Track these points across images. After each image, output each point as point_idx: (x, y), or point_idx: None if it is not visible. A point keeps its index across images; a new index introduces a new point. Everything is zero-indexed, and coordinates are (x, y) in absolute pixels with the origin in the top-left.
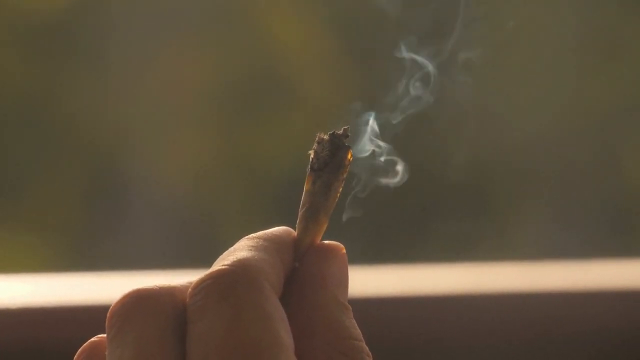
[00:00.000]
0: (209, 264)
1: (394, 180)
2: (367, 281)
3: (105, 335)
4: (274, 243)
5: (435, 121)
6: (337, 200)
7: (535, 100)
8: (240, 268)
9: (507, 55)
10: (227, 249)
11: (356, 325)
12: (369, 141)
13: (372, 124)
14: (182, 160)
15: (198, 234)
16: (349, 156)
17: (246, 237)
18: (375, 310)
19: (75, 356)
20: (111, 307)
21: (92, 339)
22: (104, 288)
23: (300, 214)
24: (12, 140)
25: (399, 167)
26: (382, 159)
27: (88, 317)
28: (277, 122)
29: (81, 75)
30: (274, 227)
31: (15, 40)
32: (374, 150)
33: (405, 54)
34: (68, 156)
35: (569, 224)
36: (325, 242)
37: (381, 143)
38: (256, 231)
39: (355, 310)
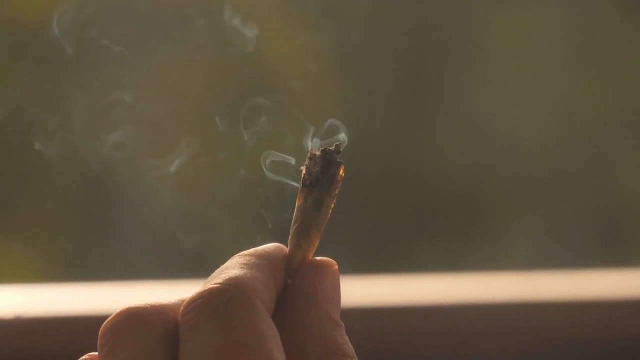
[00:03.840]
0: (201, 274)
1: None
2: (361, 291)
3: (97, 353)
4: (265, 260)
5: (430, 131)
6: (329, 216)
7: (528, 109)
8: (232, 286)
9: (502, 64)
10: (219, 257)
11: (349, 341)
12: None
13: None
14: (175, 170)
15: (191, 243)
16: (341, 172)
17: (238, 254)
18: (369, 320)
19: None
20: (103, 326)
21: (84, 357)
22: (96, 298)
23: (292, 230)
24: (3, 150)
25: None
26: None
27: (81, 328)
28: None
29: (73, 84)
30: (266, 244)
31: (6, 49)
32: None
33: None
34: (60, 166)
35: (562, 233)
36: (317, 258)
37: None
38: (249, 241)
39: (349, 321)
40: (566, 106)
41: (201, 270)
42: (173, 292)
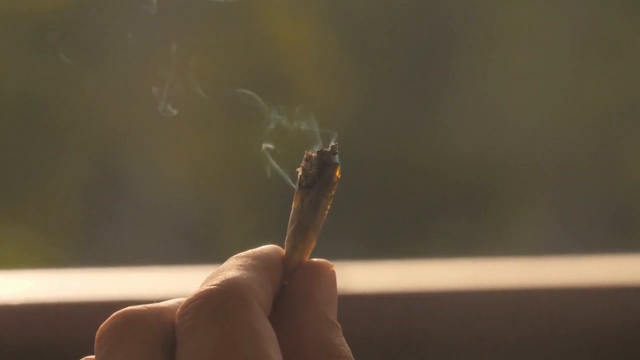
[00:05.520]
0: (208, 260)
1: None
2: (368, 277)
3: (94, 356)
4: (262, 261)
5: (436, 119)
6: (325, 217)
7: (535, 97)
8: (228, 287)
9: (508, 53)
10: (226, 246)
11: (345, 342)
12: None
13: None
14: (183, 158)
15: (198, 230)
16: (337, 173)
17: (234, 256)
18: (376, 306)
19: None
20: (100, 328)
21: (82, 359)
22: (105, 284)
23: (288, 231)
24: (13, 137)
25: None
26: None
27: (89, 314)
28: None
29: (82, 73)
30: (264, 245)
31: (15, 39)
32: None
33: None
34: (69, 153)
35: (569, 220)
36: (314, 259)
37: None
38: (254, 231)
39: (356, 307)
40: (573, 95)
41: (209, 256)
42: (182, 278)
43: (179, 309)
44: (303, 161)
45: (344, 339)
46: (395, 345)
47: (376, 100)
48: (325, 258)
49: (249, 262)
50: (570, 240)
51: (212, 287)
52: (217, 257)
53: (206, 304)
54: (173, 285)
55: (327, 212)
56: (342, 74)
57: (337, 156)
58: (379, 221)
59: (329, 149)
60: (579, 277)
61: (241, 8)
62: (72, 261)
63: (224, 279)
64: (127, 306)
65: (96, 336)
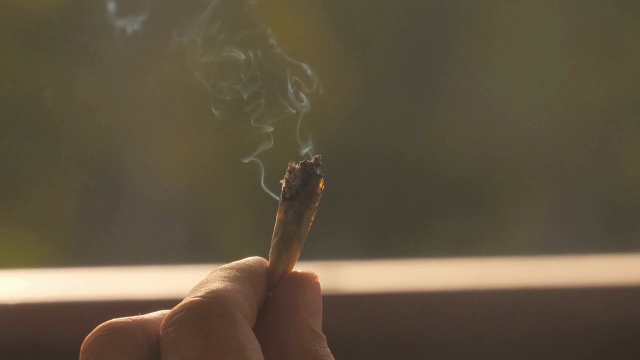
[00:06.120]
0: (206, 260)
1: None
2: (367, 277)
3: None
4: (246, 273)
5: (435, 118)
6: (309, 228)
7: (533, 97)
8: (213, 299)
9: (508, 52)
10: (222, 247)
11: (330, 353)
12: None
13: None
14: (180, 158)
15: (194, 230)
16: (321, 185)
17: (219, 267)
18: (375, 306)
19: None
20: (84, 340)
21: None
22: (101, 284)
23: (272, 243)
24: (9, 137)
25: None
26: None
27: (85, 313)
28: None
29: (78, 73)
30: (248, 257)
31: (11, 39)
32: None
33: None
34: (65, 153)
35: (567, 220)
36: (299, 271)
37: None
38: (250, 230)
39: (355, 306)
40: (573, 95)
41: (207, 256)
42: (179, 278)
43: (163, 321)
44: (286, 173)
45: (328, 349)
46: (395, 345)
47: (375, 98)
48: (324, 257)
49: (233, 273)
50: (570, 240)
51: (195, 298)
52: (215, 257)
53: (190, 316)
54: (171, 285)
55: (311, 224)
56: (340, 72)
57: (320, 168)
58: (377, 220)
59: (312, 160)
60: (579, 277)
61: (240, 7)
62: (70, 261)
63: (207, 290)
64: (125, 306)
65: (81, 348)
